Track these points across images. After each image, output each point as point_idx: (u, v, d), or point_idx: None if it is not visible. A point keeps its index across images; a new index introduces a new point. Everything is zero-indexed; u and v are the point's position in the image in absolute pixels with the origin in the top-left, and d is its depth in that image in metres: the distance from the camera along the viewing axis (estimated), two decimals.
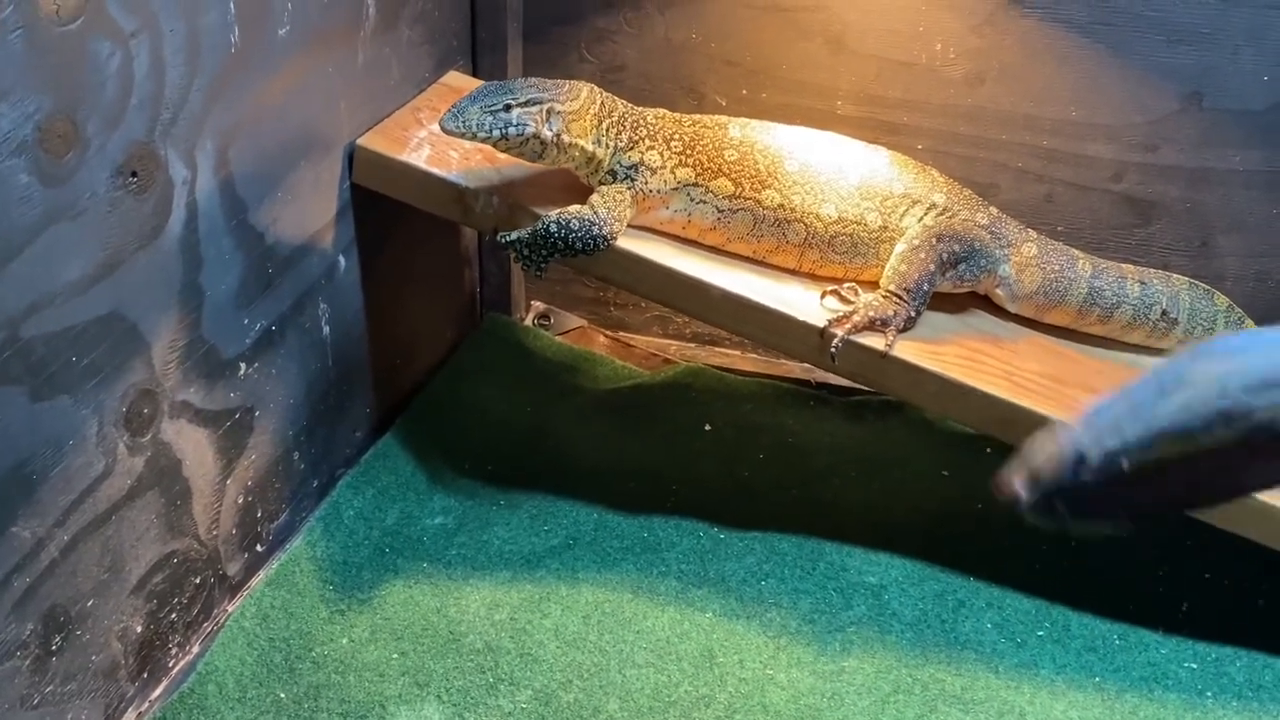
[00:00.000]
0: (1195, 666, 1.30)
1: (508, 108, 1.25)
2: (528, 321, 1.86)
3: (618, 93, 1.40)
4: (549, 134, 1.27)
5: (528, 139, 1.27)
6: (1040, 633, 1.34)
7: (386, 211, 1.45)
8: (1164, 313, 1.40)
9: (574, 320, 1.87)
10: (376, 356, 1.55)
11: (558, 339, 1.82)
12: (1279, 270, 1.59)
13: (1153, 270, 1.43)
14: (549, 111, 1.27)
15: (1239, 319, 1.44)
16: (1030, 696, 1.26)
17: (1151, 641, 1.33)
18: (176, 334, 1.14)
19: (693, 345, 1.84)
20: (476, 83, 1.57)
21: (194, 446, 1.20)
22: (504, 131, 1.26)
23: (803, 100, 1.62)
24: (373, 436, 1.57)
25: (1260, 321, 1.47)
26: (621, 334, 1.86)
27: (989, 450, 1.59)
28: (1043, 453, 0.58)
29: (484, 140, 1.26)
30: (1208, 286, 1.44)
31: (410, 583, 1.35)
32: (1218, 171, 1.55)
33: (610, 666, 1.26)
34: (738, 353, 1.82)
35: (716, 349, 1.83)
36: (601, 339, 1.86)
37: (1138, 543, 1.47)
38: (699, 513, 1.48)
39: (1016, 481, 0.59)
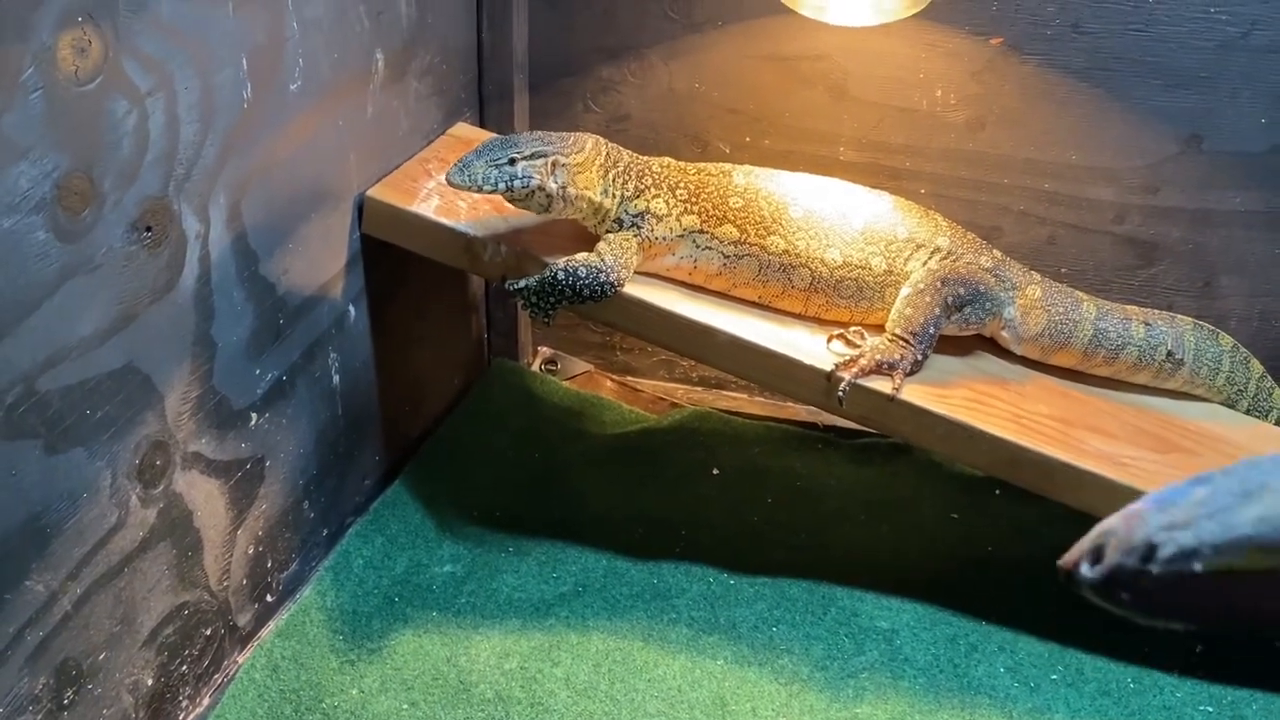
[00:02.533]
0: (1211, 709, 1.29)
1: (512, 161, 1.27)
2: (535, 367, 1.87)
3: (623, 142, 1.42)
4: (554, 186, 1.29)
5: (533, 191, 1.29)
6: (1054, 676, 1.33)
7: (395, 261, 1.47)
8: (1169, 354, 1.40)
9: (581, 365, 1.88)
10: (386, 404, 1.56)
11: (565, 384, 1.83)
12: None
13: (1157, 311, 1.44)
14: (554, 164, 1.29)
15: (1244, 359, 1.44)
16: None
17: (1166, 684, 1.32)
18: (189, 385, 1.15)
19: (699, 389, 1.85)
20: (484, 134, 1.59)
21: (205, 497, 1.20)
22: (509, 184, 1.27)
23: (806, 147, 1.64)
24: (382, 484, 1.58)
25: (1266, 362, 1.47)
26: (628, 378, 1.87)
27: (998, 492, 1.59)
28: (1110, 532, 0.54)
29: (489, 193, 1.28)
30: (1212, 327, 1.44)
31: (420, 632, 1.35)
32: (1219, 213, 1.56)
33: (622, 715, 1.25)
34: (744, 396, 1.82)
35: (723, 393, 1.84)
36: (608, 383, 1.86)
37: None
38: (708, 558, 1.48)
39: (1080, 557, 0.55)
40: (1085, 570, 0.55)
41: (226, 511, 1.24)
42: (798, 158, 1.63)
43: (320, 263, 1.35)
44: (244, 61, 1.14)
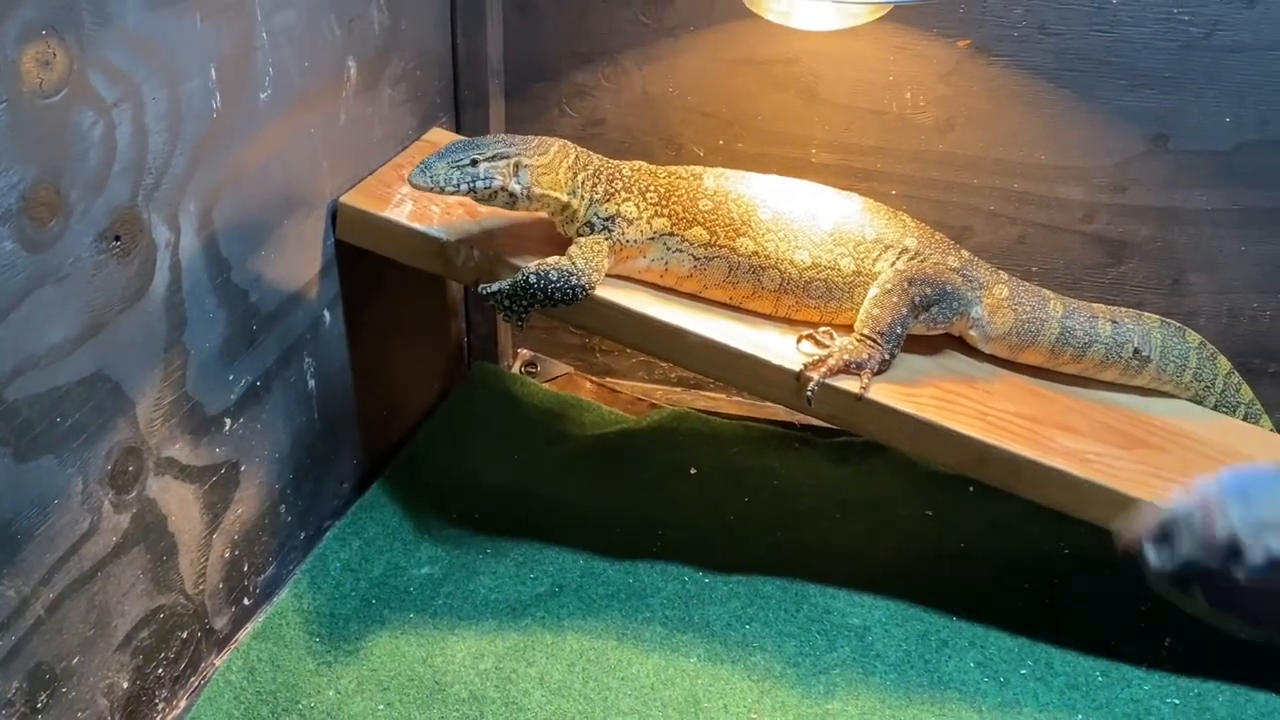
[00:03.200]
0: (1178, 702, 1.31)
1: (474, 162, 1.29)
2: (515, 369, 1.88)
3: (598, 146, 1.43)
4: (517, 187, 1.31)
5: (495, 192, 1.30)
6: (1023, 671, 1.34)
7: (371, 265, 1.48)
8: (1136, 351, 1.42)
9: (560, 367, 1.89)
10: (363, 409, 1.57)
11: (545, 386, 1.84)
12: (1250, 306, 1.61)
13: (1124, 309, 1.45)
14: (516, 165, 1.30)
15: (1211, 355, 1.46)
16: None
17: (1134, 677, 1.34)
18: (161, 392, 1.16)
19: (678, 389, 1.86)
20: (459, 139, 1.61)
21: (179, 502, 1.22)
22: (471, 185, 1.29)
23: (778, 149, 1.66)
24: (360, 488, 1.59)
25: (1234, 358, 1.48)
26: (608, 380, 1.88)
27: (971, 490, 1.60)
28: (1181, 515, 0.48)
29: (452, 194, 1.30)
30: (1179, 324, 1.46)
31: (396, 633, 1.36)
32: (1186, 211, 1.58)
33: (595, 714, 1.26)
34: (722, 396, 1.84)
35: (701, 393, 1.85)
36: (588, 385, 1.88)
37: (1119, 578, 1.47)
38: (684, 557, 1.49)
39: (1146, 538, 0.49)
40: (1154, 557, 0.49)
41: (201, 516, 1.26)
42: (770, 160, 1.65)
43: (294, 269, 1.36)
44: (212, 71, 1.15)
